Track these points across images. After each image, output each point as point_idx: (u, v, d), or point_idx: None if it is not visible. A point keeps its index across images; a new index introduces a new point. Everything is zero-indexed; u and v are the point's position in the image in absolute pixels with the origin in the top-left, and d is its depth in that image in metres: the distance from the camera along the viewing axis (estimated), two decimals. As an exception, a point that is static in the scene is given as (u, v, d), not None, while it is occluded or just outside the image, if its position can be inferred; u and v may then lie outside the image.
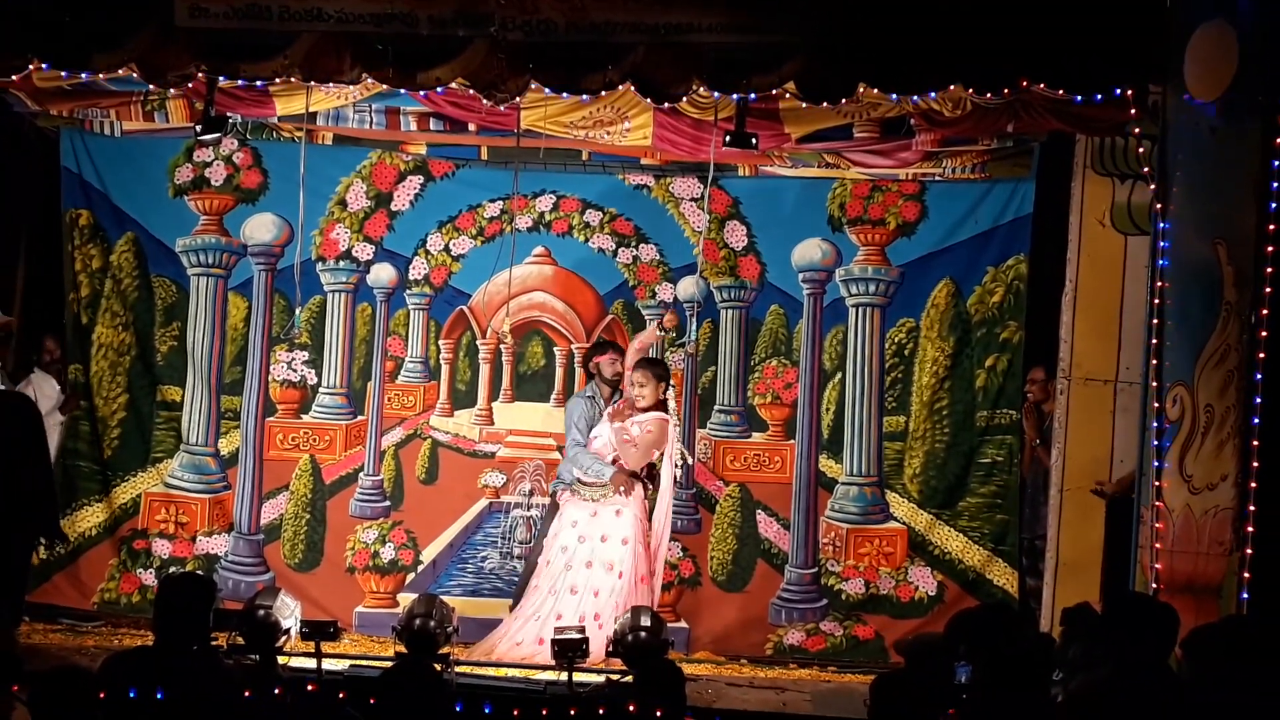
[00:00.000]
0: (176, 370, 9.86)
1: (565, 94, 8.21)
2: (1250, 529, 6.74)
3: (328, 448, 9.87)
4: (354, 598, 9.71)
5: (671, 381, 9.01)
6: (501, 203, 9.78)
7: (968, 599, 9.27)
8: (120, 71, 8.08)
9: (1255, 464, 6.75)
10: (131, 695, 5.36)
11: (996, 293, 9.55)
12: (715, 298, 9.80)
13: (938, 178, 9.58)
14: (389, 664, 6.59)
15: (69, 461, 9.64)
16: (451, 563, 9.78)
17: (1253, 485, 6.76)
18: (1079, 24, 7.48)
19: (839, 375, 9.72)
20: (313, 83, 8.24)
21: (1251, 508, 6.78)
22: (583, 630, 7.42)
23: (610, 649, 7.27)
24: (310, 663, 6.96)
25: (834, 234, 9.72)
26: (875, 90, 7.87)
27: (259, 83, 8.31)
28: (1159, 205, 7.33)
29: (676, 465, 8.89)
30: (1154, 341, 7.26)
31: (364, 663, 7.74)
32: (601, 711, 5.82)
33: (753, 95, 7.95)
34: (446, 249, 9.89)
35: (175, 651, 5.67)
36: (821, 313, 9.74)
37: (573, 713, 6.03)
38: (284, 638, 6.82)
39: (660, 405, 8.83)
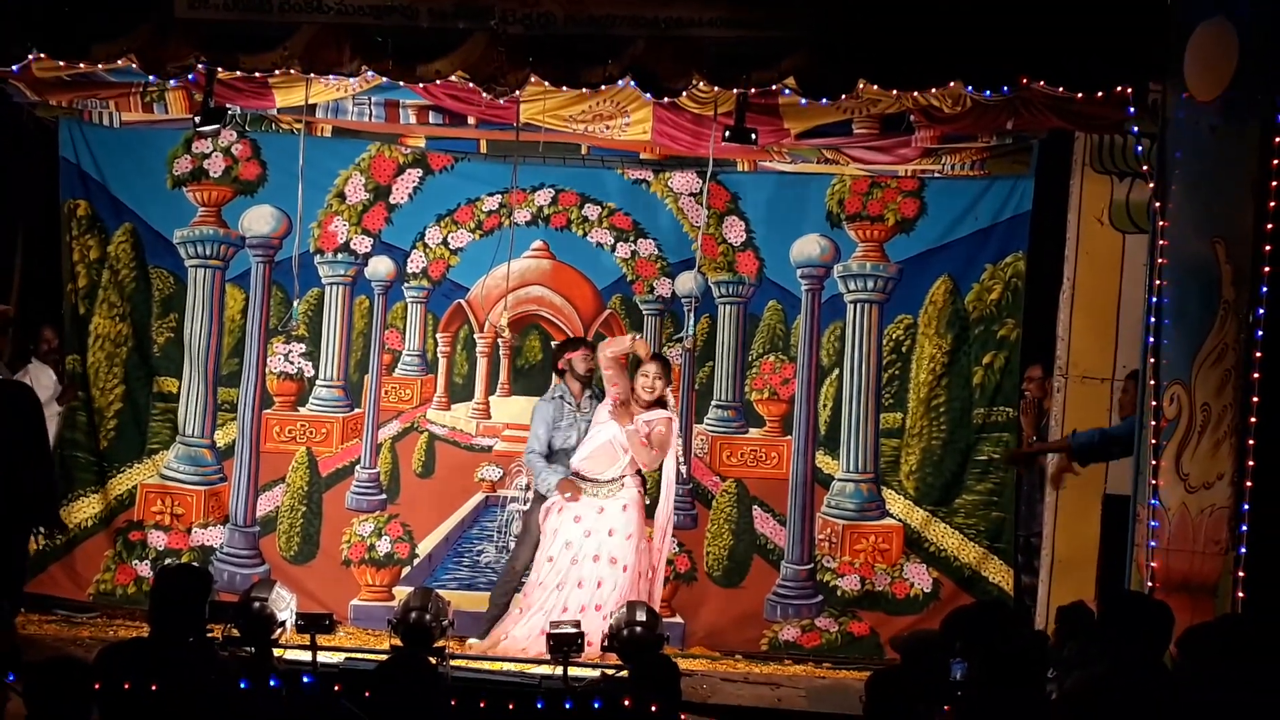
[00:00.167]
0: (173, 362, 9.85)
1: (565, 88, 8.22)
2: (1246, 528, 6.73)
3: (324, 440, 9.87)
4: (350, 590, 9.71)
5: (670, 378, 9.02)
6: (500, 196, 9.78)
7: (963, 596, 9.27)
8: (119, 62, 8.07)
9: (1251, 463, 6.73)
10: (127, 687, 5.35)
11: (994, 290, 9.55)
12: (713, 293, 9.80)
13: (937, 174, 9.59)
14: (384, 657, 6.58)
15: (65, 452, 9.63)
16: (447, 556, 9.78)
17: (1249, 484, 6.75)
18: (1079, 21, 7.47)
19: (836, 371, 9.72)
20: (312, 75, 8.25)
21: (1247, 507, 6.77)
22: (578, 625, 7.41)
23: (606, 644, 7.27)
24: (306, 655, 6.96)
25: (832, 230, 9.72)
26: (875, 86, 7.87)
27: (258, 74, 8.31)
28: (1158, 203, 7.33)
29: (680, 461, 8.92)
30: (1151, 340, 7.26)
31: (359, 656, 7.75)
32: (597, 706, 5.82)
33: (752, 90, 7.95)
34: (445, 242, 9.88)
35: (171, 643, 5.66)
36: (819, 309, 9.74)
37: (568, 707, 6.03)
38: (279, 630, 6.80)
39: (660, 403, 8.84)
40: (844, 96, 7.99)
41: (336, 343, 9.89)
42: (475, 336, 9.90)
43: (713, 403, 9.81)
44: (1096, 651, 5.53)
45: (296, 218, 9.34)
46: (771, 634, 9.57)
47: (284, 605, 6.88)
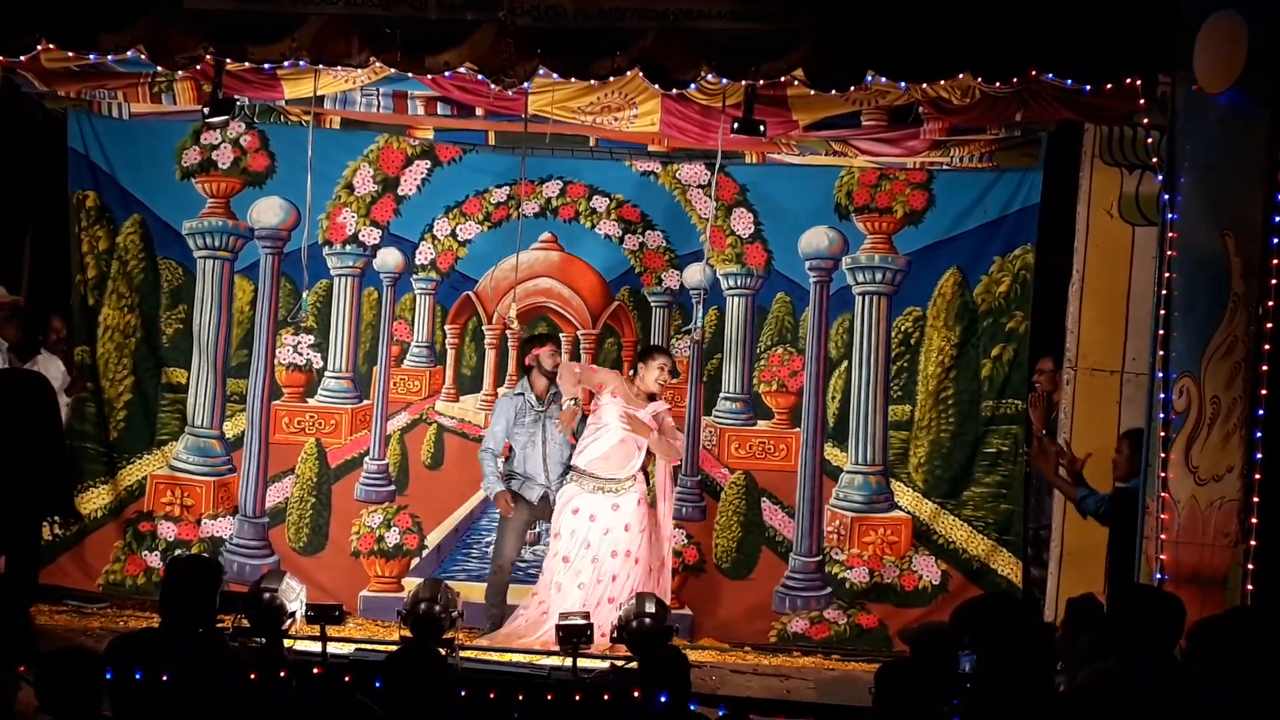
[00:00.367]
0: (182, 353, 9.86)
1: (573, 79, 8.19)
2: (1255, 520, 6.73)
3: (333, 432, 9.88)
4: (359, 582, 9.73)
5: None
6: (508, 188, 9.77)
7: (972, 589, 9.27)
8: (128, 53, 8.07)
9: (1261, 455, 6.74)
10: (137, 677, 5.36)
11: (1003, 282, 9.54)
12: (721, 285, 9.79)
13: (945, 167, 9.58)
14: (394, 648, 6.60)
15: (75, 443, 9.63)
16: (456, 548, 9.79)
17: (1258, 477, 6.76)
18: (1088, 13, 7.45)
19: (845, 364, 9.72)
20: (321, 66, 8.22)
21: (1257, 499, 6.77)
22: (587, 616, 7.42)
23: (615, 635, 7.27)
24: (315, 646, 6.97)
25: (841, 222, 9.71)
26: (884, 78, 7.85)
27: (267, 65, 8.30)
28: (1166, 196, 7.32)
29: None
30: (1161, 332, 7.25)
31: (369, 647, 7.75)
32: (606, 698, 5.83)
33: (761, 82, 7.94)
34: (453, 234, 9.88)
35: (181, 634, 5.68)
36: (828, 301, 9.73)
37: (577, 698, 6.03)
38: (289, 621, 6.82)
39: (653, 397, 8.84)
40: (853, 88, 7.98)
41: (345, 334, 9.90)
42: (483, 328, 9.90)
43: (721, 395, 9.81)
44: (1108, 645, 5.53)
45: (305, 209, 9.35)
46: (780, 626, 9.57)
47: (294, 596, 6.89)
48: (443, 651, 6.55)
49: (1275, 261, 6.72)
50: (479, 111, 9.20)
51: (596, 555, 8.70)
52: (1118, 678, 5.27)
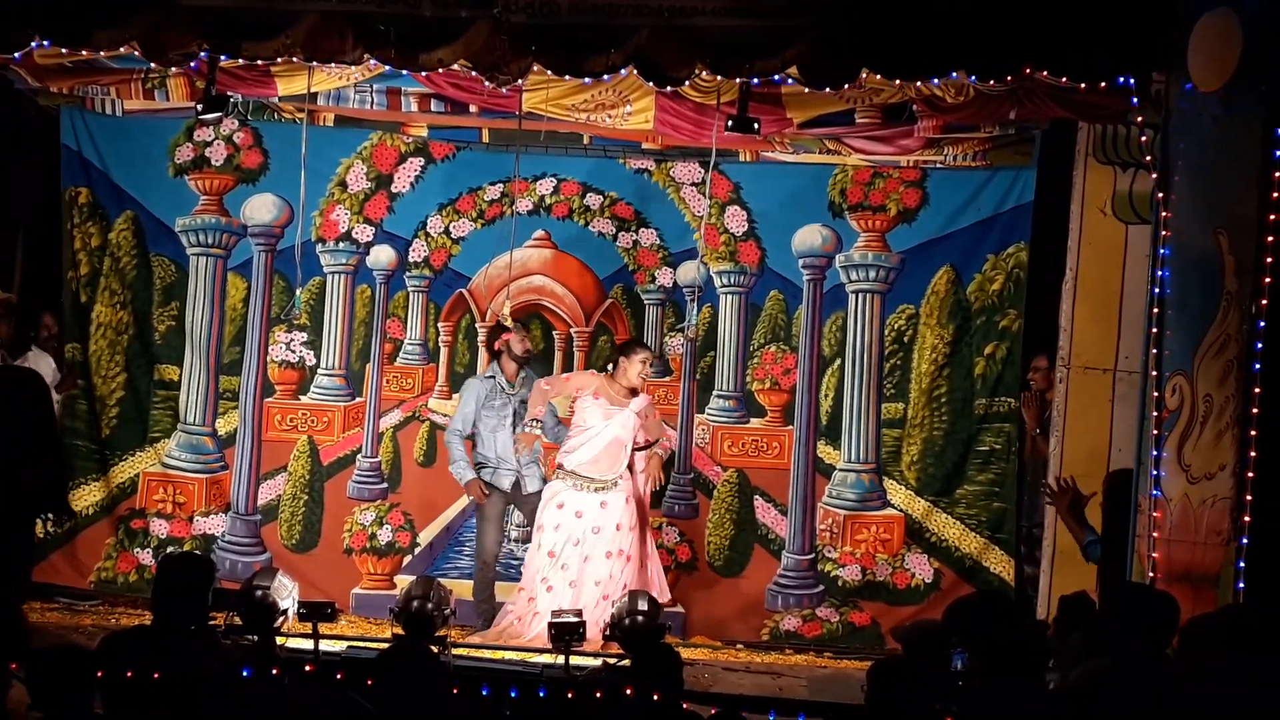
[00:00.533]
0: (175, 350, 9.86)
1: (567, 76, 8.18)
2: (1248, 519, 6.73)
3: (326, 429, 9.88)
4: (351, 579, 9.72)
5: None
6: (502, 185, 9.77)
7: (964, 586, 9.27)
8: (122, 49, 8.05)
9: (1253, 454, 6.73)
10: (129, 675, 5.35)
11: (997, 280, 9.55)
12: (715, 283, 9.80)
13: (939, 165, 9.58)
14: (386, 645, 6.59)
15: (66, 440, 9.59)
16: (449, 545, 9.79)
17: (1250, 475, 6.75)
18: (1083, 11, 7.44)
19: (838, 361, 9.72)
20: (314, 63, 8.22)
21: (1249, 497, 6.77)
22: (579, 614, 7.42)
23: (607, 633, 7.27)
24: (308, 644, 6.96)
25: (834, 220, 9.72)
26: (878, 76, 7.84)
27: (260, 62, 8.29)
28: (1160, 194, 7.32)
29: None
30: (1154, 331, 7.25)
31: (361, 644, 7.75)
32: (598, 695, 5.82)
33: (755, 79, 7.94)
34: (446, 231, 9.88)
35: (173, 631, 5.68)
36: (821, 299, 9.74)
37: (569, 696, 6.03)
38: (281, 618, 6.82)
39: (634, 392, 8.83)
40: (847, 86, 7.98)
41: (338, 332, 9.89)
42: (477, 326, 9.89)
43: (714, 393, 9.81)
44: (1100, 643, 5.53)
45: (298, 206, 9.33)
46: (773, 624, 9.58)
47: (286, 594, 6.89)
48: (435, 649, 6.55)
49: (1269, 260, 6.71)
50: (473, 109, 9.19)
51: (588, 555, 8.69)
52: (1110, 676, 5.26)
